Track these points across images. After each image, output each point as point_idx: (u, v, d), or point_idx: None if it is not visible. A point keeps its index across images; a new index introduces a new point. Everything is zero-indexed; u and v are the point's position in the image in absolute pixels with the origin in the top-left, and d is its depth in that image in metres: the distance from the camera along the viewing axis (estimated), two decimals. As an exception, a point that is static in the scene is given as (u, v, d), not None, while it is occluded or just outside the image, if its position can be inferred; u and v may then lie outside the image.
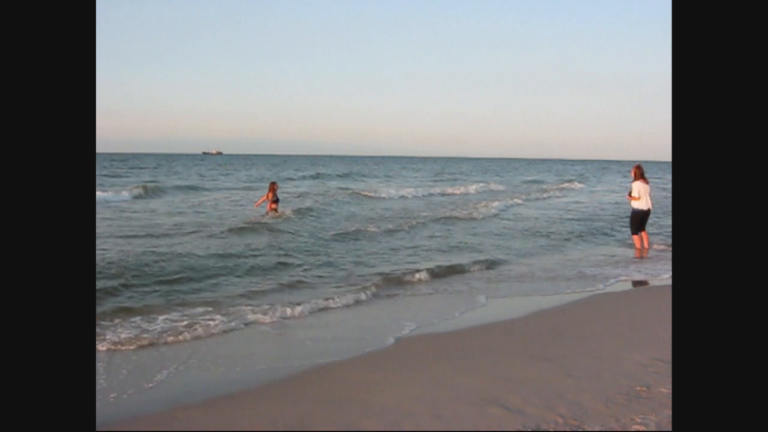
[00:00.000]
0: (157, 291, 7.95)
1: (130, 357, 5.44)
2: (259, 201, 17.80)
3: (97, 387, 4.60)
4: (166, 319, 6.61)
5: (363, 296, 7.91)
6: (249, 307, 7.13)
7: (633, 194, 11.79)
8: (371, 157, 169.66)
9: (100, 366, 5.09)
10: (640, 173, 11.74)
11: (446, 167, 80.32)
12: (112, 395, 4.50)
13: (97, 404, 4.21)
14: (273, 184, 17.09)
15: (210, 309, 7.05)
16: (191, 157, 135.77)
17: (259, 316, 6.82)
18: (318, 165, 77.35)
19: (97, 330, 5.98)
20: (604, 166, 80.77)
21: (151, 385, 4.78)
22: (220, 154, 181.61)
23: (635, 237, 11.84)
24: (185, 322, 6.46)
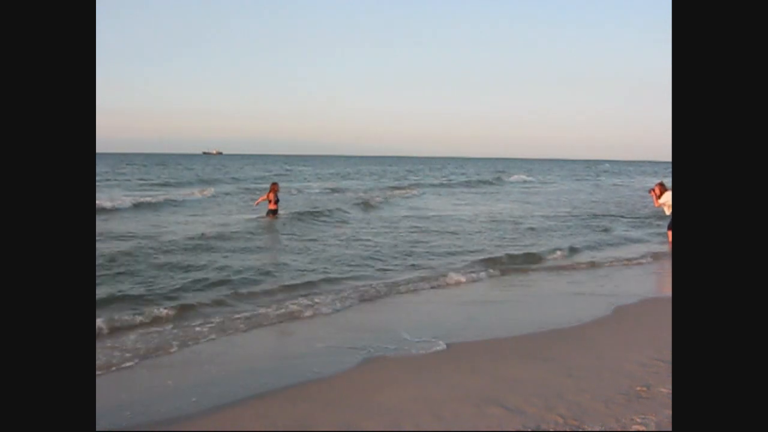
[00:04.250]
0: (173, 290, 7.98)
1: (129, 358, 5.44)
2: (259, 200, 17.80)
3: (97, 388, 4.60)
4: (171, 320, 6.62)
5: None
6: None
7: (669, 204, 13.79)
8: (393, 158, 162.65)
9: (99, 364, 5.09)
10: (664, 189, 13.61)
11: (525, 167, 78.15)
12: (112, 396, 4.50)
13: (98, 405, 4.21)
14: (274, 184, 17.09)
15: (213, 308, 7.06)
16: (192, 157, 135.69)
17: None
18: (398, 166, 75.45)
19: (98, 328, 5.98)
20: (663, 169, 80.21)
21: (150, 386, 4.78)
22: (221, 154, 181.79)
23: (669, 232, 13.75)
24: (188, 324, 6.47)
